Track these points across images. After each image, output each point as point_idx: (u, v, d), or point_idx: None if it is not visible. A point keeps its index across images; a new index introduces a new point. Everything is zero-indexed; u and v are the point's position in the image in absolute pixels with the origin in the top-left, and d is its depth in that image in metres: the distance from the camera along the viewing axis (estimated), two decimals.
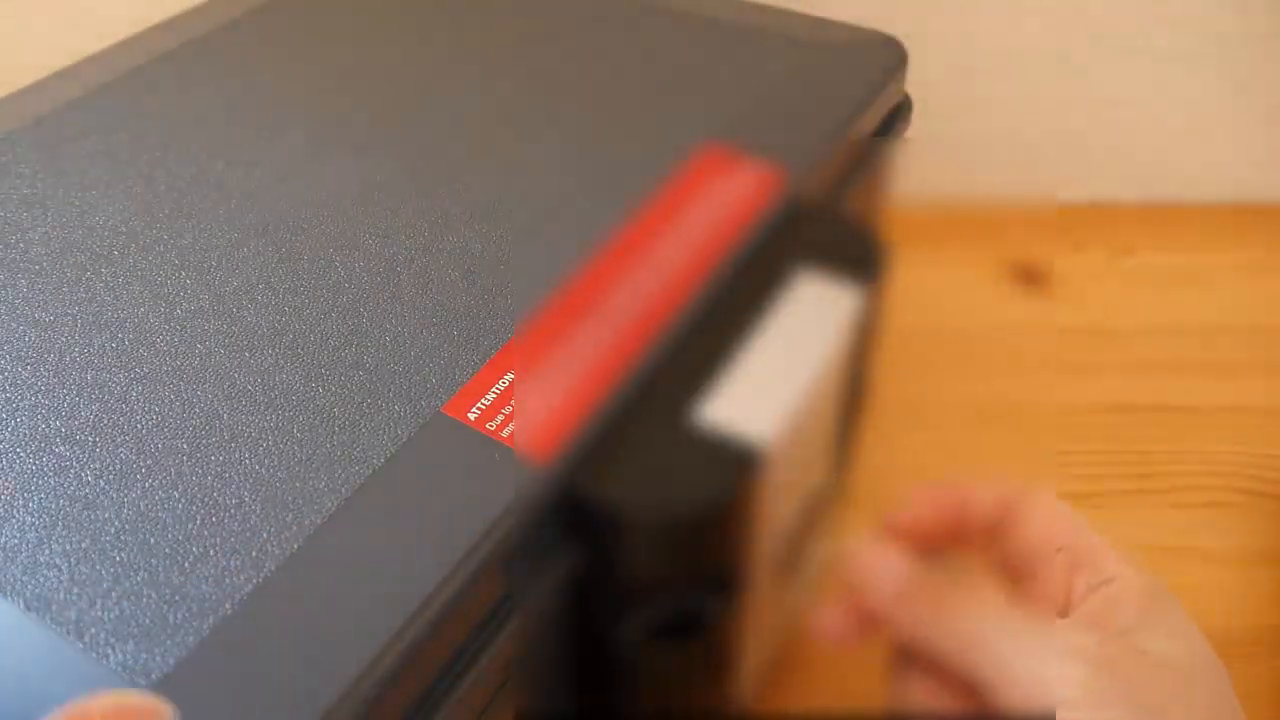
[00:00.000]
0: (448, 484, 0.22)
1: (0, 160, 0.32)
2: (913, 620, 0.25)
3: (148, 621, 0.20)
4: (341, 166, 0.31)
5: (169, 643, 0.19)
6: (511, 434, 0.23)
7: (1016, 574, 0.26)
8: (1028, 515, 0.26)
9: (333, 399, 0.24)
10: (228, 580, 0.20)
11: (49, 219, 0.30)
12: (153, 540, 0.21)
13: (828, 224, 0.30)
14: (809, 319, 0.27)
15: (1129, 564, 0.25)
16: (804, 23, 0.38)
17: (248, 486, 0.22)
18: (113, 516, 0.22)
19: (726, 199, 0.29)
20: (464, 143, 0.32)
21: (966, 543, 0.28)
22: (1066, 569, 0.25)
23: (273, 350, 0.25)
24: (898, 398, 0.42)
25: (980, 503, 0.27)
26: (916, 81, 0.37)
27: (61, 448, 0.23)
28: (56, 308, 0.27)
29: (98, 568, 0.21)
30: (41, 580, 0.20)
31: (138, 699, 0.19)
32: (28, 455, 0.23)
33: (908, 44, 0.37)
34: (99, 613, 0.20)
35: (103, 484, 0.22)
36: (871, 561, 0.26)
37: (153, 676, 0.19)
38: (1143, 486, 0.44)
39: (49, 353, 0.25)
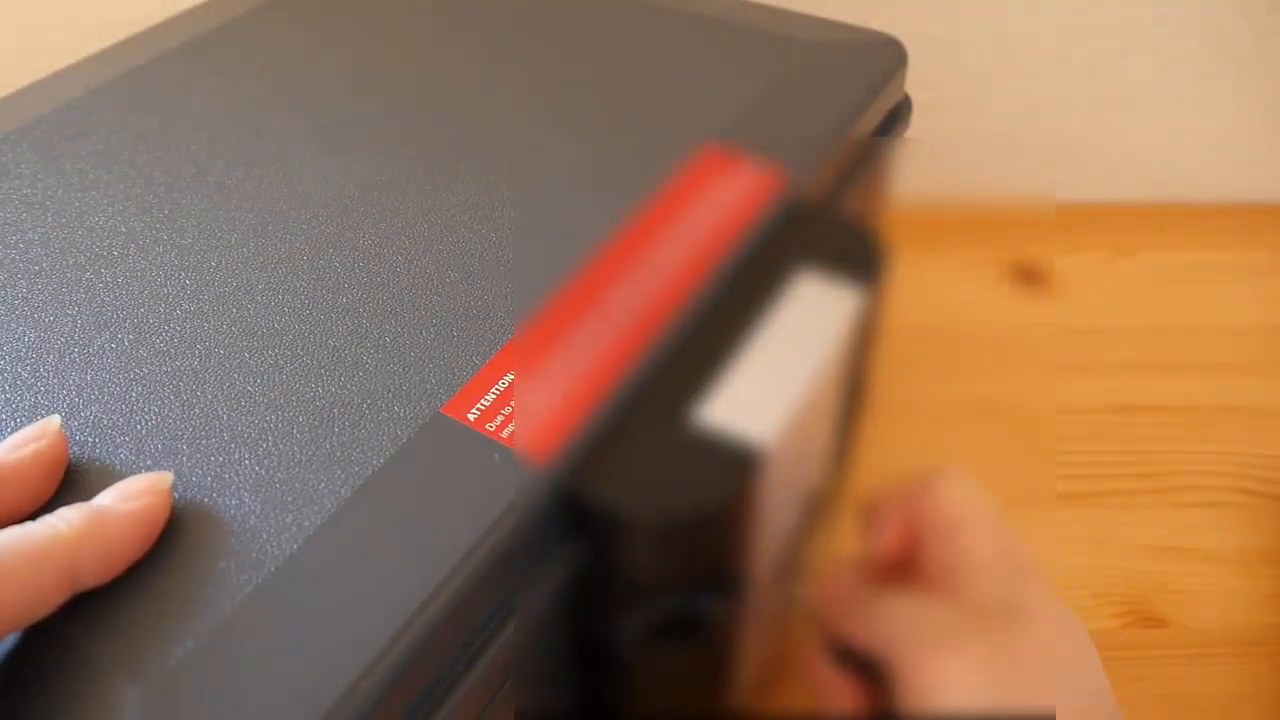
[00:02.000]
0: (447, 485, 0.22)
1: (0, 160, 0.32)
2: (837, 616, 0.27)
3: (147, 621, 0.20)
4: (342, 166, 0.31)
5: (169, 642, 0.19)
6: (511, 435, 0.23)
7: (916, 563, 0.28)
8: (934, 498, 0.27)
9: (332, 399, 0.24)
10: (228, 581, 0.20)
11: (49, 219, 0.30)
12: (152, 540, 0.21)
13: (828, 224, 0.30)
14: (809, 319, 0.27)
15: (995, 536, 0.26)
16: (804, 23, 0.38)
17: (247, 487, 0.22)
18: None
19: (726, 199, 0.29)
20: (464, 143, 0.32)
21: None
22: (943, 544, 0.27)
23: (272, 350, 0.25)
24: (898, 398, 0.43)
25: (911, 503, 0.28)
26: (916, 81, 0.37)
27: None
28: (56, 308, 0.27)
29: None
30: None
31: (140, 479, 0.21)
32: None
33: (908, 44, 0.37)
34: (99, 612, 0.20)
35: (102, 485, 0.22)
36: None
37: (153, 676, 0.19)
38: (1143, 486, 0.44)
39: (49, 353, 0.25)
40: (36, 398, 0.24)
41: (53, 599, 0.19)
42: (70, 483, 0.22)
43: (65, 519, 0.20)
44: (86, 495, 0.21)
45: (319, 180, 0.31)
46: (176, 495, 0.22)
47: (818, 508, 0.32)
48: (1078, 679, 0.25)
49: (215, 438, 0.23)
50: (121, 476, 0.22)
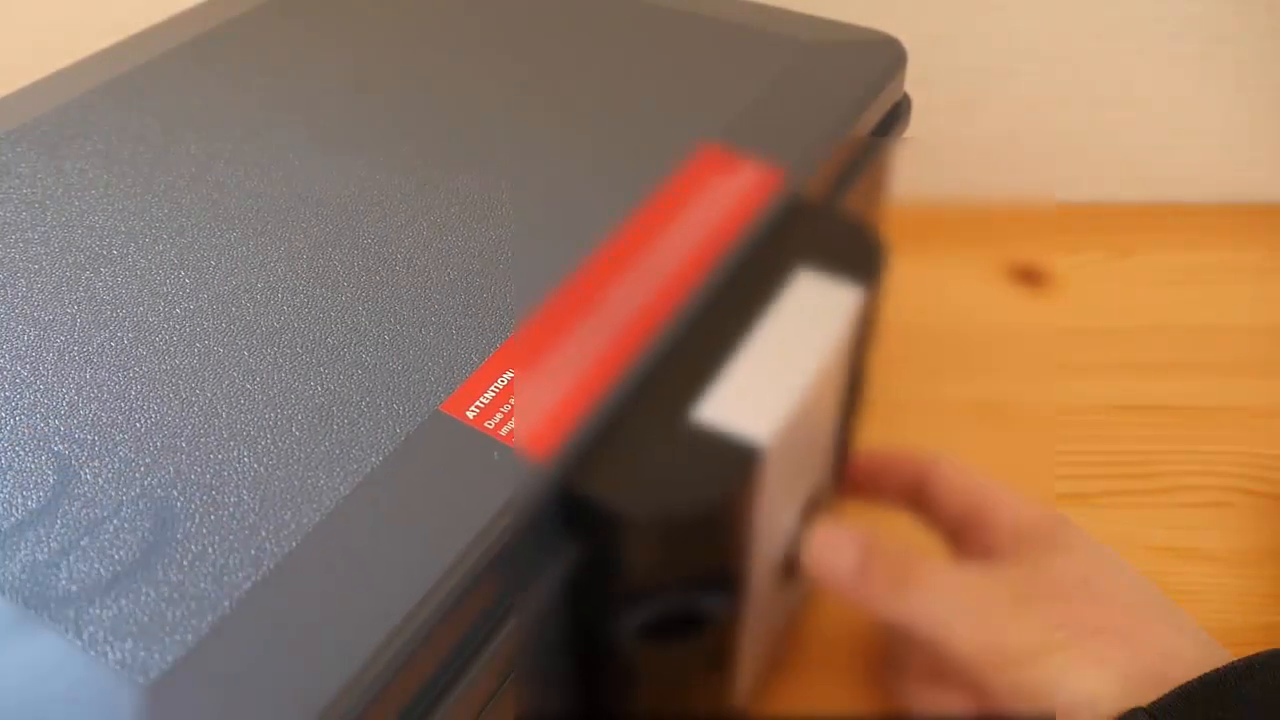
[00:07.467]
0: (446, 482, 0.22)
1: (0, 160, 0.32)
2: (872, 597, 0.28)
3: (146, 619, 0.20)
4: (341, 166, 0.31)
5: (167, 640, 0.19)
6: (510, 432, 0.23)
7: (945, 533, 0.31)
8: (943, 478, 0.31)
9: (331, 397, 0.24)
10: (226, 578, 0.20)
11: (49, 219, 0.30)
12: (151, 538, 0.21)
13: (828, 224, 0.30)
14: (808, 318, 0.27)
15: (1029, 504, 0.29)
16: (804, 23, 0.38)
17: (246, 485, 0.22)
18: (111, 515, 0.22)
19: (726, 199, 0.29)
20: (464, 142, 0.32)
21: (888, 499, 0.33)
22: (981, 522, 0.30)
23: (271, 349, 0.25)
24: (897, 397, 0.42)
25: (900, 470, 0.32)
26: (916, 81, 0.37)
27: (60, 446, 0.23)
28: (56, 308, 0.27)
29: (96, 566, 0.21)
30: (40, 578, 0.21)
31: None
32: (26, 454, 0.23)
33: (908, 44, 0.37)
34: (98, 610, 0.20)
35: (101, 482, 0.22)
36: (825, 544, 0.29)
37: (151, 674, 0.19)
38: (1143, 486, 0.44)
39: (49, 352, 0.25)
40: (36, 396, 0.24)
41: None
42: (70, 482, 0.22)
43: None
44: (85, 492, 0.21)
45: (319, 180, 0.31)
46: (176, 493, 0.22)
47: (817, 507, 0.32)
48: (1132, 585, 0.26)
49: (214, 435, 0.23)
50: (121, 474, 0.22)
